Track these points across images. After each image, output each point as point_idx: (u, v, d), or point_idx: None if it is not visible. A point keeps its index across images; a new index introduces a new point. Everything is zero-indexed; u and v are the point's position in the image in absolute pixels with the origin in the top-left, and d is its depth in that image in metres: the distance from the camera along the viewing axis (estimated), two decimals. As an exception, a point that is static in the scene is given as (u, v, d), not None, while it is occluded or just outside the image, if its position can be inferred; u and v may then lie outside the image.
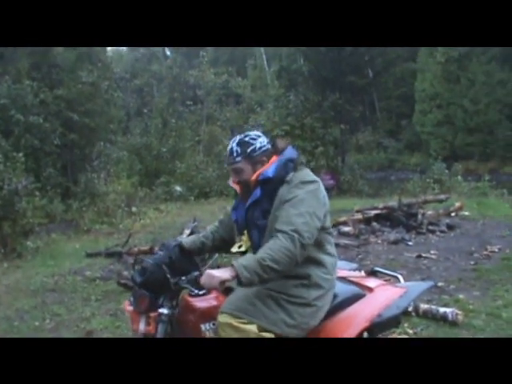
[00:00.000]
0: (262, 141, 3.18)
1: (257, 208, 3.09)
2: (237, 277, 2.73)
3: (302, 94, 23.60)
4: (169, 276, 3.03)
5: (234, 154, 3.15)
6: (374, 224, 11.24)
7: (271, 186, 3.05)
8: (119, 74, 30.98)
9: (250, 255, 2.90)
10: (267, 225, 3.01)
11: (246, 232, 3.21)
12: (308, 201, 2.93)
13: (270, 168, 3.10)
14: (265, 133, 3.33)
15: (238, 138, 3.21)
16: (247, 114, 33.31)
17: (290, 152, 3.18)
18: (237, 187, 3.25)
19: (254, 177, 3.11)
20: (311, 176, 3.09)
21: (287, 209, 2.91)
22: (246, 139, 3.17)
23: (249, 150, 3.13)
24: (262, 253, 2.77)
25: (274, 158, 3.16)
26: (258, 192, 3.08)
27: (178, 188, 22.28)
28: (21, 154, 13.08)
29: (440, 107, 40.84)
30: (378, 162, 42.07)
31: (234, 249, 3.25)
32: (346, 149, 25.23)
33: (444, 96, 40.36)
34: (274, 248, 2.77)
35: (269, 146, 3.19)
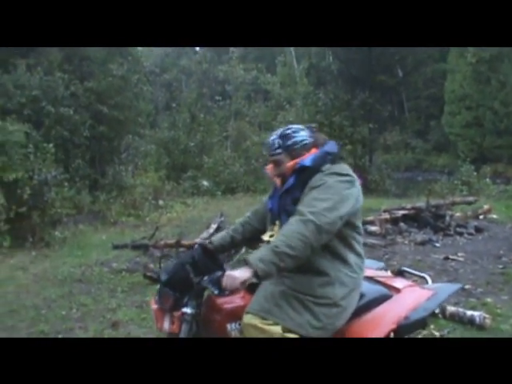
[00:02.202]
0: (303, 134, 3.16)
1: (289, 195, 3.08)
2: (255, 272, 2.70)
3: (332, 91, 23.53)
4: (192, 276, 3.01)
5: (275, 146, 3.15)
6: (402, 224, 11.17)
7: (306, 175, 3.03)
8: (149, 68, 31.03)
9: (263, 247, 2.86)
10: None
11: (277, 222, 3.19)
12: (336, 189, 2.90)
13: (308, 157, 3.08)
14: (309, 127, 3.30)
15: (280, 129, 3.21)
16: (276, 110, 33.28)
17: (331, 146, 3.17)
18: (272, 175, 3.24)
19: (291, 164, 3.10)
20: (348, 171, 3.06)
21: (312, 193, 2.90)
22: (288, 132, 3.16)
23: (289, 143, 3.12)
24: (276, 240, 2.75)
25: (314, 150, 3.14)
26: (291, 180, 3.08)
27: (205, 183, 22.33)
28: (51, 145, 13.20)
29: (469, 109, 40.29)
30: (405, 163, 41.65)
31: (266, 237, 3.22)
32: (373, 148, 25.09)
33: (474, 97, 39.80)
34: (287, 233, 2.73)
35: (310, 140, 3.17)
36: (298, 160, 3.09)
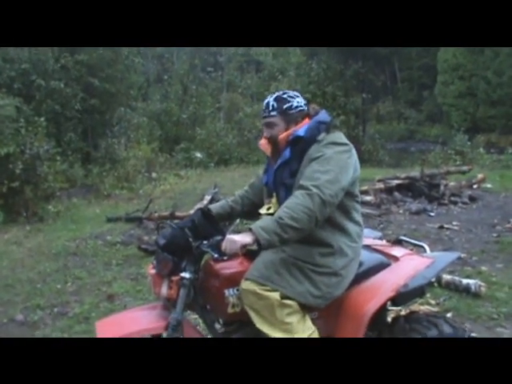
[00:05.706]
0: (299, 101, 3.12)
1: (286, 168, 3.03)
2: (256, 240, 2.66)
3: (324, 62, 23.42)
4: (191, 239, 2.96)
5: (270, 108, 3.09)
6: (396, 194, 11.17)
7: (301, 146, 2.98)
8: (140, 40, 30.83)
9: (268, 217, 2.84)
10: (294, 183, 2.94)
11: (274, 194, 3.14)
12: (336, 160, 2.85)
13: (301, 128, 3.03)
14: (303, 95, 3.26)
15: (276, 93, 3.16)
16: (268, 81, 33.18)
17: (324, 115, 3.12)
18: (267, 148, 3.16)
19: (284, 135, 3.05)
20: (344, 139, 3.01)
21: (313, 165, 2.85)
22: (284, 96, 3.11)
23: (285, 107, 3.07)
24: (280, 212, 2.71)
25: (307, 120, 3.09)
26: (287, 152, 3.02)
27: (198, 154, 22.30)
28: (42, 119, 13.13)
29: (462, 78, 40.17)
30: (398, 133, 41.77)
31: (263, 210, 3.18)
32: (366, 118, 25.07)
33: (467, 67, 39.69)
34: (292, 206, 2.70)
35: (305, 108, 3.13)
36: (291, 131, 3.05)
